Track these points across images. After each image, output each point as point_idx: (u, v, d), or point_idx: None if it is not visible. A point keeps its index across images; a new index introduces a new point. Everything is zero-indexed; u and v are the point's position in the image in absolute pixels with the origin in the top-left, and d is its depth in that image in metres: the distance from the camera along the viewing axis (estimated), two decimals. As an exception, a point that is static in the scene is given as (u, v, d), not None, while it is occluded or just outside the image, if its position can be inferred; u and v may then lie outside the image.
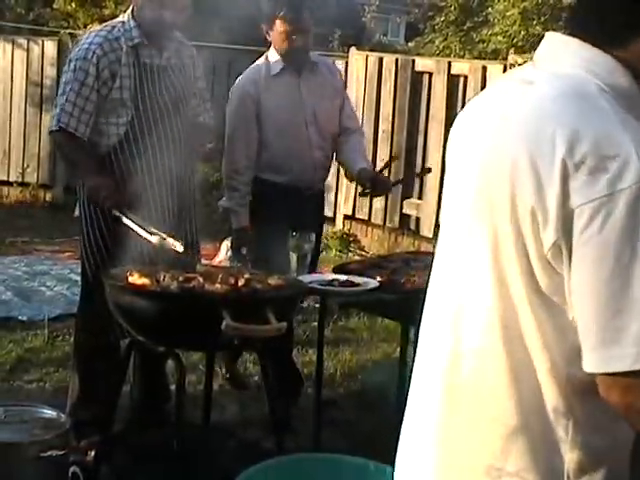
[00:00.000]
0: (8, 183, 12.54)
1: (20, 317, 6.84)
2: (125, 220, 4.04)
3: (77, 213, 4.56)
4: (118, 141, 4.33)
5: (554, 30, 1.80)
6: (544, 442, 1.66)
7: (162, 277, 3.49)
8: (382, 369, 5.87)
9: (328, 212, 10.60)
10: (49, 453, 3.28)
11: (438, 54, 15.01)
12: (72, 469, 3.74)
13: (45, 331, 6.42)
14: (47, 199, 12.16)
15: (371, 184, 5.02)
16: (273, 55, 5.05)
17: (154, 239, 3.89)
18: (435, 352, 1.79)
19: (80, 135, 4.28)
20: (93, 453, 4.18)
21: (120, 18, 4.47)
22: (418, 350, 1.87)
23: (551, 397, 1.64)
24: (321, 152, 5.12)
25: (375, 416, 5.00)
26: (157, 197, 4.37)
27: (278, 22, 4.88)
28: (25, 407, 3.63)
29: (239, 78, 5.04)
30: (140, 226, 3.99)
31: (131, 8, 4.45)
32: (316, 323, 5.28)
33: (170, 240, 3.91)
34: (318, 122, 5.10)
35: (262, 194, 4.97)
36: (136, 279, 3.50)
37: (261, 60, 5.10)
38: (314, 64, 5.15)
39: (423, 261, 4.53)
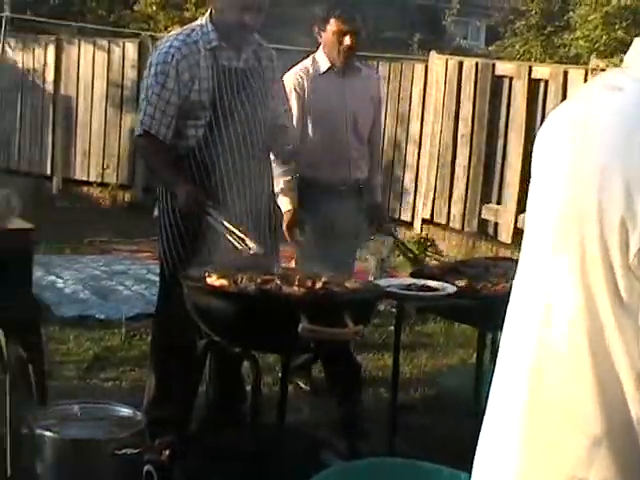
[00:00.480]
0: (88, 183, 12.71)
1: (98, 316, 6.91)
2: (212, 221, 4.05)
3: (156, 213, 4.58)
4: (196, 143, 4.34)
5: (637, 35, 1.75)
6: (629, 454, 1.61)
7: (240, 279, 3.48)
8: (458, 374, 5.82)
9: (406, 216, 10.61)
10: (124, 451, 3.29)
11: (518, 58, 14.87)
12: (146, 468, 3.75)
13: (122, 330, 6.48)
14: (126, 199, 12.30)
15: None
16: (320, 55, 5.24)
17: (234, 241, 3.89)
18: (518, 361, 1.75)
19: (162, 138, 4.29)
20: (168, 452, 4.20)
21: (198, 21, 4.48)
22: (499, 357, 1.83)
23: (637, 409, 1.59)
24: (357, 153, 5.31)
25: (450, 422, 4.94)
26: (235, 199, 4.36)
27: (333, 21, 5.08)
28: (102, 405, 3.65)
29: (284, 76, 5.07)
30: (224, 226, 4.00)
31: (209, 11, 4.46)
32: (392, 327, 5.24)
33: (248, 241, 3.91)
34: (357, 124, 5.28)
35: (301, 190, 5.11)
36: (214, 280, 3.50)
37: (308, 60, 5.29)
38: (358, 69, 5.37)
39: (502, 267, 4.48)
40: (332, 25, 5.09)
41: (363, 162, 5.37)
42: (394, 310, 5.14)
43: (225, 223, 4.04)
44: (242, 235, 3.96)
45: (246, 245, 3.91)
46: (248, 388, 4.70)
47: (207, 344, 3.87)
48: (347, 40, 5.08)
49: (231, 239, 3.94)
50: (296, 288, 3.43)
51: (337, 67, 5.21)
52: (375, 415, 5.01)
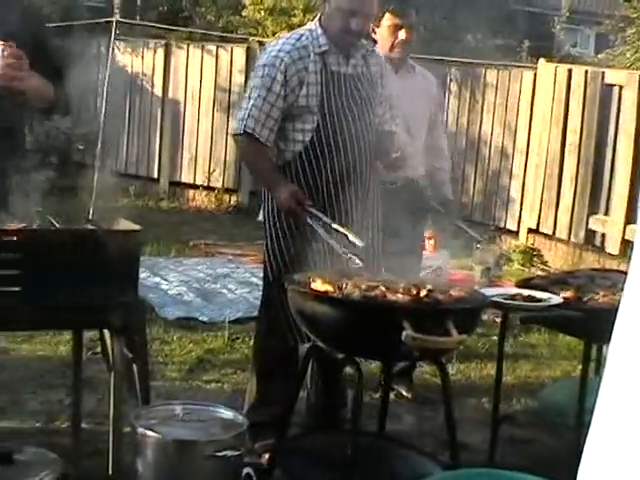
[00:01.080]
0: (194, 186, 12.86)
1: (201, 318, 6.98)
2: (314, 222, 4.05)
3: (261, 217, 4.59)
4: (303, 148, 4.33)
5: None
6: None
7: (344, 284, 3.47)
8: (562, 387, 5.71)
9: (511, 225, 10.50)
10: (224, 453, 3.30)
11: (629, 67, 14.58)
12: (246, 470, 3.76)
13: (225, 333, 6.53)
14: (232, 203, 12.41)
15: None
16: None
17: (337, 242, 3.88)
18: (629, 375, 1.70)
19: (263, 141, 4.30)
20: (267, 456, 4.21)
21: (308, 26, 4.49)
22: (607, 370, 1.78)
23: None
24: (409, 151, 5.09)
25: (553, 435, 4.86)
26: (341, 204, 4.35)
27: (387, 15, 5.11)
28: (203, 407, 3.67)
29: None
30: (326, 224, 4.00)
31: (319, 16, 4.46)
32: (496, 337, 5.18)
33: (351, 237, 3.89)
34: (409, 121, 5.18)
35: None
36: (318, 285, 3.50)
37: None
38: (412, 67, 5.38)
39: (609, 279, 4.38)
40: (386, 19, 5.13)
41: (416, 161, 5.25)
42: (498, 320, 5.08)
43: (326, 219, 4.04)
44: (345, 231, 3.95)
45: (350, 242, 3.89)
46: (349, 394, 4.70)
47: (310, 349, 3.87)
48: (402, 34, 5.12)
49: (333, 242, 3.92)
50: (400, 295, 3.40)
51: (391, 63, 5.17)
52: (476, 425, 4.95)
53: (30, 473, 2.73)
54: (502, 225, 10.55)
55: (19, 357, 5.93)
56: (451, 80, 11.29)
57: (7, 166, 3.71)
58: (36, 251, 3.08)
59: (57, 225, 3.37)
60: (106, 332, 3.39)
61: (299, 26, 4.94)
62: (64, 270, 3.12)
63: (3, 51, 3.45)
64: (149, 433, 3.29)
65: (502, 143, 10.70)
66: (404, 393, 5.54)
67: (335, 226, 4.00)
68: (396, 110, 4.75)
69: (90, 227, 3.47)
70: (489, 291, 4.25)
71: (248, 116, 4.29)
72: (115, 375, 3.34)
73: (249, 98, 4.34)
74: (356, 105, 4.41)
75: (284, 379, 4.23)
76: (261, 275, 4.72)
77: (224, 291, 7.87)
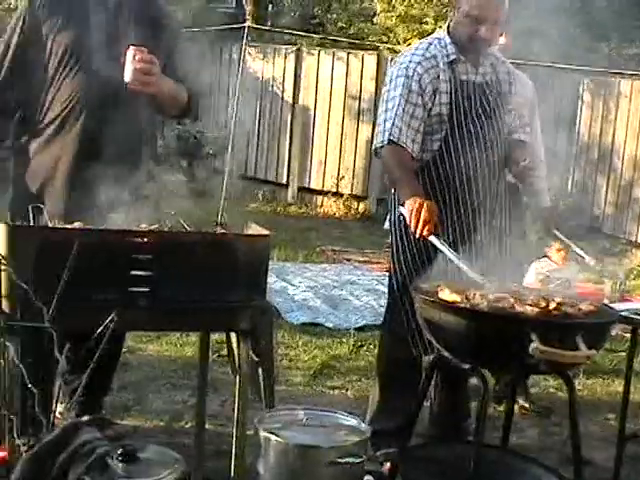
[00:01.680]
0: (323, 192, 12.92)
1: (327, 324, 7.00)
2: (436, 243, 4.00)
3: (387, 226, 4.57)
4: (431, 157, 4.30)
5: None
6: None
7: (472, 294, 3.43)
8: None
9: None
10: (346, 460, 3.29)
11: None
12: (367, 478, 3.74)
13: (350, 340, 6.54)
14: (359, 210, 12.42)
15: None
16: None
17: (463, 265, 3.83)
18: None
19: (409, 151, 4.24)
20: (389, 464, 4.18)
21: (436, 34, 4.45)
22: None
23: None
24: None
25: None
26: (469, 213, 4.31)
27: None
28: (326, 413, 3.67)
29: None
30: (449, 249, 3.96)
31: (447, 24, 4.42)
32: (624, 353, 5.05)
33: (470, 273, 3.82)
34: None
35: None
36: (446, 295, 3.46)
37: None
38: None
39: None
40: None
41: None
42: (627, 335, 4.95)
43: (449, 253, 3.95)
44: (465, 267, 3.88)
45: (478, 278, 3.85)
46: (472, 405, 4.65)
47: (435, 359, 3.83)
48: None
49: (456, 260, 3.86)
50: (529, 308, 3.34)
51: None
52: (601, 442, 4.84)
53: (153, 471, 2.75)
54: (633, 239, 10.31)
55: (145, 357, 6.04)
56: (584, 89, 11.08)
57: (141, 169, 3.79)
58: (167, 253, 3.13)
59: (188, 228, 3.42)
60: (233, 335, 3.42)
61: (430, 34, 4.86)
62: (194, 272, 3.16)
63: (135, 56, 3.52)
64: (272, 437, 3.30)
65: (636, 154, 10.44)
66: (526, 406, 5.46)
67: (455, 261, 3.92)
68: (525, 118, 4.65)
69: (220, 230, 3.50)
70: (619, 306, 4.16)
71: (393, 126, 4.21)
72: (241, 378, 3.36)
73: (386, 111, 4.29)
74: (485, 113, 4.35)
75: (408, 388, 4.19)
76: (387, 283, 4.70)
77: (350, 298, 7.88)
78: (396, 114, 4.22)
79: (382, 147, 4.25)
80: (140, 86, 3.58)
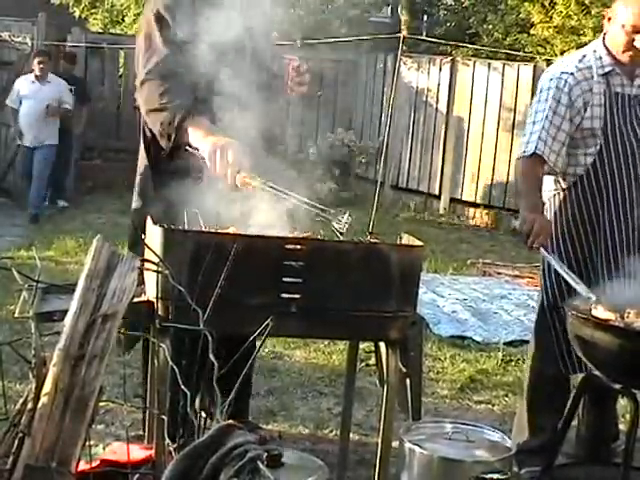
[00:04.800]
0: (475, 205, 12.81)
1: (475, 337, 6.94)
2: (546, 255, 3.97)
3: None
4: (585, 171, 4.22)
5: None
6: None
7: (627, 313, 3.36)
8: None
9: None
10: (490, 475, 3.25)
11: None
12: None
13: (499, 354, 6.46)
14: (512, 223, 12.26)
15: None
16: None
17: (582, 289, 3.76)
18: None
19: (552, 164, 4.19)
20: (535, 484, 4.12)
21: (591, 46, 4.35)
22: None
23: None
24: None
25: None
26: (622, 230, 4.21)
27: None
28: (472, 427, 3.63)
29: None
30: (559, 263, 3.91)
31: (602, 35, 4.32)
32: None
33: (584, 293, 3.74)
34: None
35: None
36: (600, 312, 3.40)
37: None
38: None
39: None
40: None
41: None
42: None
43: (559, 267, 3.91)
44: (576, 285, 3.81)
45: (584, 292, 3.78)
46: (621, 427, 4.54)
47: (585, 378, 3.76)
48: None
49: (579, 288, 3.81)
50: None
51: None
52: None
53: (297, 477, 2.78)
54: None
55: (292, 363, 6.10)
56: None
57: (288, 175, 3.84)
58: (319, 260, 3.16)
59: (340, 236, 3.44)
60: (382, 344, 3.42)
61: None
62: (345, 280, 3.18)
63: (289, 64, 3.80)
64: (417, 449, 3.29)
65: None
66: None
67: (565, 275, 3.87)
68: None
69: (373, 240, 3.51)
70: None
71: (538, 139, 4.17)
72: (388, 388, 3.36)
73: (534, 123, 4.24)
74: (639, 127, 4.25)
75: (555, 406, 4.13)
76: (537, 298, 4.63)
77: (500, 312, 7.79)
78: (542, 127, 4.16)
79: (525, 157, 4.22)
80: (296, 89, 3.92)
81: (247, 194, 3.36)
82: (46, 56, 12.03)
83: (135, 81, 3.73)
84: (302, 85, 3.91)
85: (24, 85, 11.91)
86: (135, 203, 4.01)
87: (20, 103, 11.81)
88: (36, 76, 11.79)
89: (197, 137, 3.43)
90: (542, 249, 3.99)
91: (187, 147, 3.44)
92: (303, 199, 3.39)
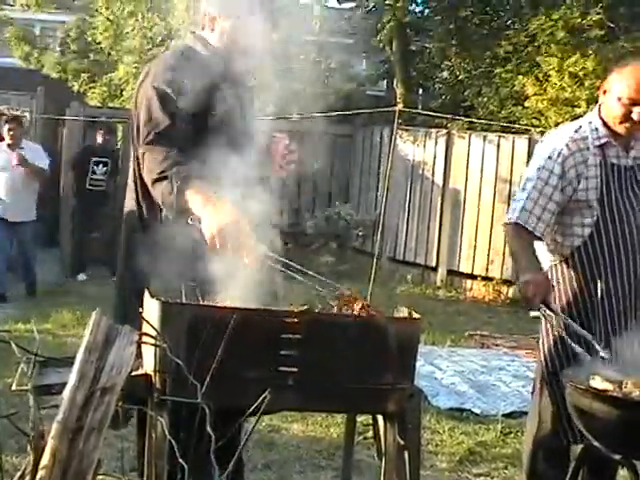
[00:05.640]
0: (472, 276, 12.83)
1: (474, 409, 6.91)
2: (543, 313, 4.00)
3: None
4: (582, 242, 4.23)
5: None
6: None
7: (625, 383, 3.35)
8: None
9: None
10: None
11: None
12: None
13: (498, 426, 6.43)
14: (509, 295, 12.28)
15: None
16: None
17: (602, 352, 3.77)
18: None
19: (535, 233, 4.23)
20: None
21: (587, 117, 4.39)
22: None
23: None
24: None
25: None
26: (620, 299, 4.21)
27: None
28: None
29: None
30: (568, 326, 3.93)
31: (597, 106, 4.36)
32: None
33: (596, 346, 3.76)
34: None
35: None
36: (597, 383, 3.40)
37: None
38: None
39: None
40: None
41: None
42: None
43: (569, 323, 3.94)
44: (590, 339, 3.83)
45: (595, 350, 3.79)
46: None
47: (585, 449, 3.74)
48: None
49: (572, 343, 3.84)
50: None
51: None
52: None
53: None
54: None
55: (290, 436, 6.06)
56: None
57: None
58: (316, 334, 3.15)
59: (334, 308, 3.44)
60: (380, 417, 3.41)
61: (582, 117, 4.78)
62: (342, 354, 3.17)
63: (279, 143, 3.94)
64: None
65: None
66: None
67: (579, 332, 3.89)
68: None
69: (370, 313, 3.51)
70: None
71: (522, 208, 4.22)
72: (386, 461, 3.34)
73: (524, 190, 4.28)
74: (637, 198, 4.27)
75: (555, 477, 4.10)
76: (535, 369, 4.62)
77: (498, 384, 7.77)
78: (528, 196, 4.21)
79: (509, 225, 4.28)
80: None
81: (243, 265, 3.35)
82: (16, 122, 11.31)
83: (137, 152, 3.74)
84: (291, 163, 3.95)
85: None
86: (123, 272, 3.97)
87: None
88: (8, 144, 11.09)
89: (197, 204, 3.41)
90: (543, 307, 4.01)
91: (189, 220, 3.42)
92: (313, 274, 3.41)
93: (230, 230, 3.28)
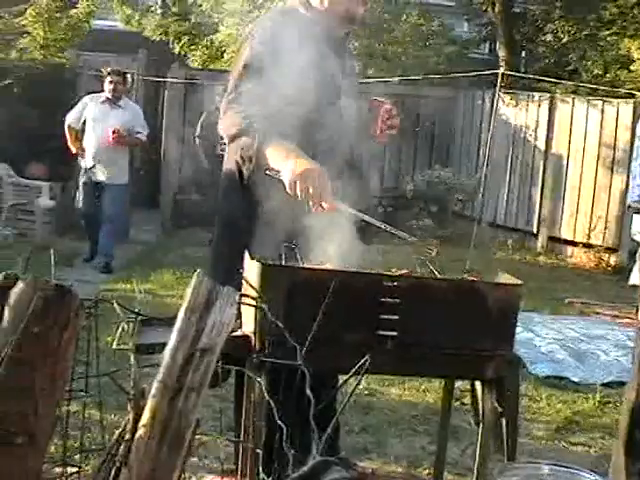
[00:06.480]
0: (574, 243, 12.65)
1: (572, 378, 6.82)
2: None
3: (633, 281, 4.43)
4: None
5: None
6: None
7: None
8: None
9: None
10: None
11: None
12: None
13: (596, 395, 6.34)
14: (611, 262, 12.07)
15: None
16: None
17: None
18: None
19: None
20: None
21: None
22: None
23: None
24: None
25: None
26: None
27: None
28: (568, 469, 3.56)
29: None
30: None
31: None
32: None
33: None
34: None
35: None
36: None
37: None
38: None
39: None
40: None
41: None
42: None
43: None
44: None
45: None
46: None
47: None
48: None
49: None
50: None
51: None
52: None
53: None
54: None
55: (387, 400, 6.07)
56: None
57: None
58: (415, 298, 3.14)
59: (437, 273, 3.41)
60: (478, 383, 3.38)
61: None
62: (441, 319, 3.15)
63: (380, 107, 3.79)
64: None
65: None
66: None
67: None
68: None
69: (469, 278, 3.48)
70: None
71: None
72: (484, 428, 3.32)
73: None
74: None
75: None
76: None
77: (598, 352, 7.65)
78: None
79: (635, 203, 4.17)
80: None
81: (337, 224, 3.34)
82: (120, 76, 10.52)
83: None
84: (392, 128, 3.89)
85: (91, 106, 10.45)
86: (221, 233, 3.98)
87: (84, 125, 10.41)
88: (107, 98, 10.43)
89: (277, 159, 3.37)
90: None
91: (266, 171, 3.40)
92: (386, 225, 3.38)
93: (310, 175, 3.27)
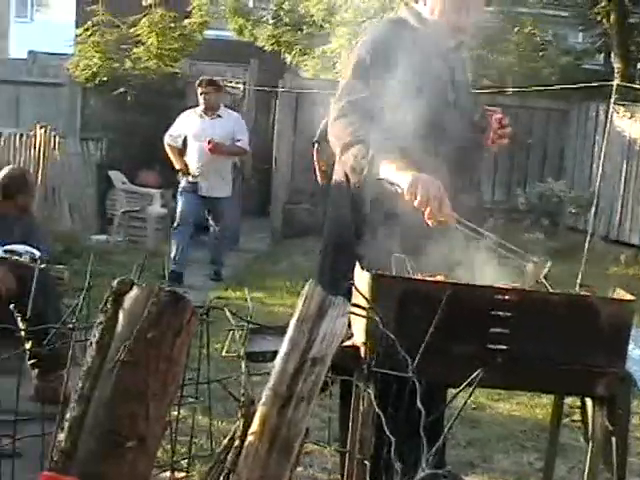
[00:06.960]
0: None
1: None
2: None
3: None
4: None
5: None
6: None
7: None
8: None
9: None
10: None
11: None
12: None
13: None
14: None
15: None
16: None
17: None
18: None
19: None
20: None
21: None
22: None
23: None
24: None
25: None
26: None
27: None
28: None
29: None
30: None
31: None
32: None
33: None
34: None
35: None
36: None
37: None
38: None
39: None
40: None
41: None
42: None
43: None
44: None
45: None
46: None
47: None
48: None
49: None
50: None
51: None
52: None
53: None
54: None
55: (495, 415, 6.01)
56: None
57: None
58: (526, 312, 3.10)
59: (548, 287, 3.37)
60: (588, 400, 3.33)
61: None
62: (552, 333, 3.11)
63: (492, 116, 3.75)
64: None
65: None
66: None
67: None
68: None
69: (582, 292, 3.43)
70: None
71: None
72: (593, 446, 3.26)
73: None
74: None
75: None
76: None
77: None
78: None
79: None
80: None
81: (449, 236, 3.32)
82: (212, 85, 10.23)
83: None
84: (504, 138, 3.84)
85: (188, 121, 10.27)
86: (329, 243, 3.98)
87: (185, 142, 10.20)
88: (203, 111, 10.21)
89: (391, 170, 3.37)
90: None
91: (379, 178, 3.39)
92: (501, 241, 3.35)
93: (432, 185, 3.25)
